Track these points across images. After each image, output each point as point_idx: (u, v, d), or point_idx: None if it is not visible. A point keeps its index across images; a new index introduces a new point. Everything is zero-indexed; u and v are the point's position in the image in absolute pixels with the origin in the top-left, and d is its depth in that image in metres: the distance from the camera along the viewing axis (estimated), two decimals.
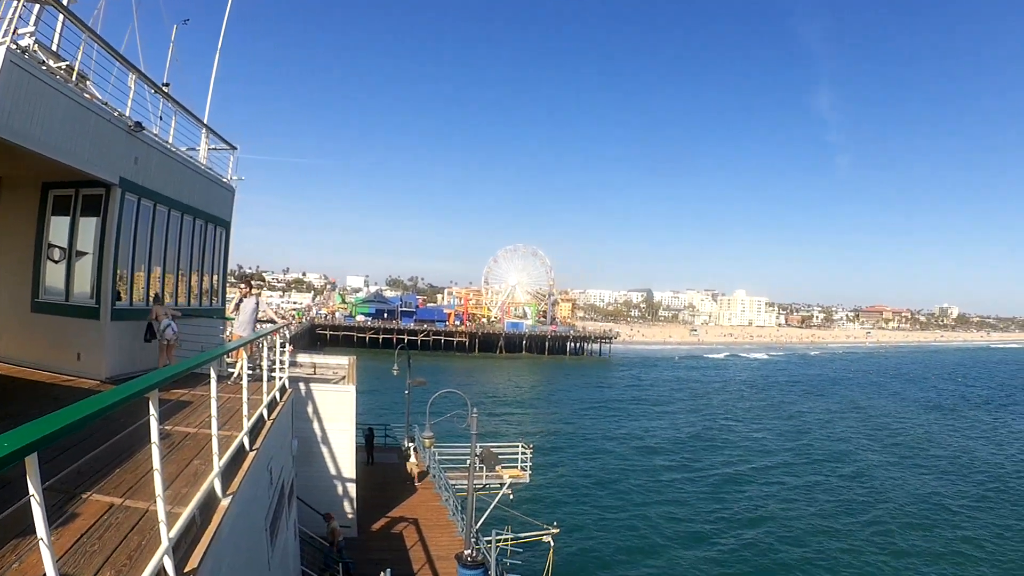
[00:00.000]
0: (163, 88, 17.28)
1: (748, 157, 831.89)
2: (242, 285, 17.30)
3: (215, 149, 21.35)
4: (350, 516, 22.73)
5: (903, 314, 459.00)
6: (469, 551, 19.39)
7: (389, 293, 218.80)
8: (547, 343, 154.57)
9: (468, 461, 23.14)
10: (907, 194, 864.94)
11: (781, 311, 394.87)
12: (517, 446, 30.54)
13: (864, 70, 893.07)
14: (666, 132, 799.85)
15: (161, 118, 17.30)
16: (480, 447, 22.14)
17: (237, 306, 16.94)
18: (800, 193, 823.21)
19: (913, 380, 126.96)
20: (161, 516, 5.35)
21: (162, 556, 5.29)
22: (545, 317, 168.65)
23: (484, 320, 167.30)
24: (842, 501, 43.70)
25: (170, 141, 17.40)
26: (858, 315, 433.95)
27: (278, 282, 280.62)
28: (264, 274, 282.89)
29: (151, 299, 16.28)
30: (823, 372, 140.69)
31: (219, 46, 23.86)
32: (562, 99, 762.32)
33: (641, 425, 68.82)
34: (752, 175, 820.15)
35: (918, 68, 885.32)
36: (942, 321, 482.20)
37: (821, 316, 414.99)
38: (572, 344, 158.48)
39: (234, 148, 22.23)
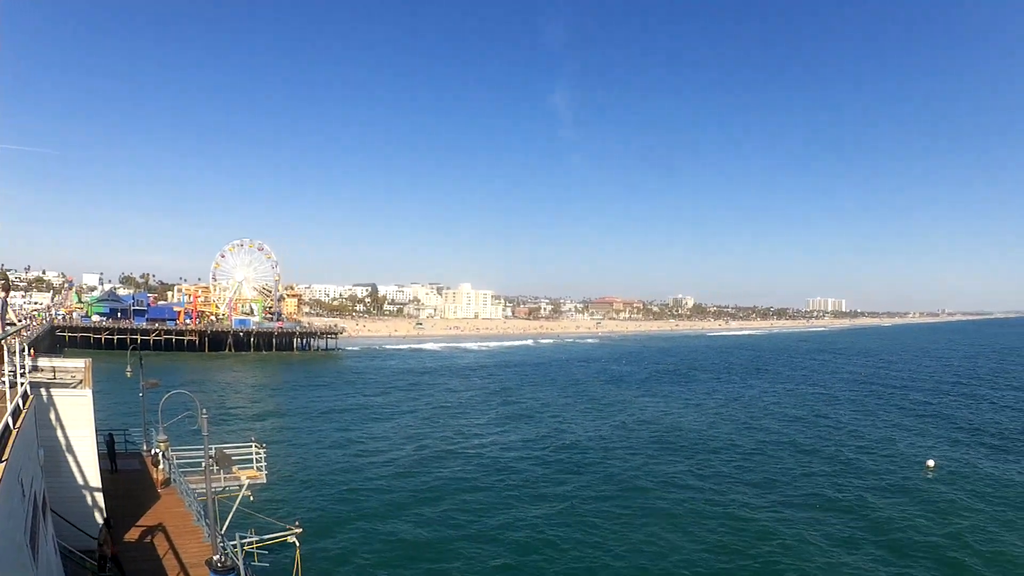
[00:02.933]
0: None
1: (476, 149, 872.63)
2: None
3: None
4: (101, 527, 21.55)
5: (635, 304, 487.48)
6: (218, 556, 19.21)
7: (123, 291, 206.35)
8: (275, 340, 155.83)
9: (203, 464, 23.08)
10: (637, 190, 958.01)
11: (508, 304, 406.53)
12: (251, 446, 30.09)
13: (597, 70, 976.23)
14: (391, 123, 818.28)
15: None
16: (214, 448, 21.87)
17: None
18: (529, 188, 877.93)
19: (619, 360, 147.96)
20: None
21: None
22: (272, 313, 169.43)
23: (213, 318, 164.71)
24: (562, 471, 48.59)
25: None
26: (587, 306, 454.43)
27: (20, 281, 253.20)
28: (8, 272, 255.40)
29: None
30: (542, 359, 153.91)
31: None
32: (280, 85, 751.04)
33: (370, 418, 70.44)
34: (480, 168, 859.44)
35: (648, 70, 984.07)
36: (676, 311, 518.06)
37: (549, 308, 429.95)
38: (299, 340, 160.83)
39: None
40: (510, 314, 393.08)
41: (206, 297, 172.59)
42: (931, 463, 52.06)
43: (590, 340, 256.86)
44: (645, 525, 36.99)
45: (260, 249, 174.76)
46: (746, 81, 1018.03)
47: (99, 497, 22.18)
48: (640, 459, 53.06)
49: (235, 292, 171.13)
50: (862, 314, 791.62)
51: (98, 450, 23.82)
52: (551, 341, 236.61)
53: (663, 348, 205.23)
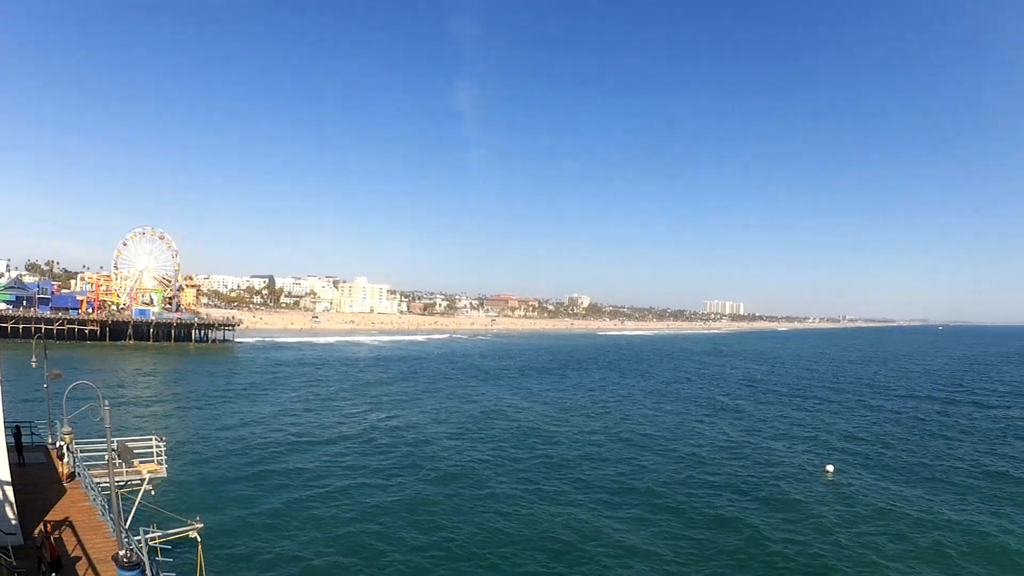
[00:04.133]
0: None
1: (377, 143, 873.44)
2: None
3: None
4: (13, 522, 21.76)
5: (530, 303, 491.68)
6: (124, 551, 18.99)
7: (28, 279, 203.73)
8: (173, 331, 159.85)
9: (106, 457, 22.68)
10: (536, 188, 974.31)
11: (404, 299, 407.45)
12: (151, 439, 29.76)
13: (499, 68, 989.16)
14: (294, 115, 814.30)
15: None
16: (116, 442, 21.48)
17: None
18: (429, 183, 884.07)
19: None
20: None
21: None
22: (171, 304, 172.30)
23: (114, 307, 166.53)
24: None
25: None
26: (483, 303, 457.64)
27: None
28: None
29: None
30: (429, 355, 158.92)
31: None
32: (184, 75, 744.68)
33: (264, 411, 71.67)
34: (380, 162, 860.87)
35: (550, 68, 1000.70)
36: (572, 310, 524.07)
37: (445, 304, 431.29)
38: (197, 332, 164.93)
39: None
40: (405, 309, 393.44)
41: (108, 286, 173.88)
42: (830, 468, 52.94)
43: (482, 337, 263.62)
44: (482, 512, 39.86)
45: (161, 238, 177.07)
46: (644, 79, 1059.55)
47: (9, 492, 21.91)
48: (487, 450, 57.13)
49: (136, 281, 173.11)
50: (760, 318, 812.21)
51: (7, 443, 23.54)
52: (444, 337, 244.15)
53: (549, 347, 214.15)
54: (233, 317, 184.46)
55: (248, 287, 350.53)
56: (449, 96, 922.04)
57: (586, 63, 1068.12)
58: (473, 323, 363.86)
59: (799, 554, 34.74)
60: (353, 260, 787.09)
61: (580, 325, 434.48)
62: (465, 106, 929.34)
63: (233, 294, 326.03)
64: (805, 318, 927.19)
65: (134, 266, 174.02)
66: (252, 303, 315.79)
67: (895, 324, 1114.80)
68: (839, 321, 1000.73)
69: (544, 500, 42.85)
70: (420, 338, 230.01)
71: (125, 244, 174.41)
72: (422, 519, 38.37)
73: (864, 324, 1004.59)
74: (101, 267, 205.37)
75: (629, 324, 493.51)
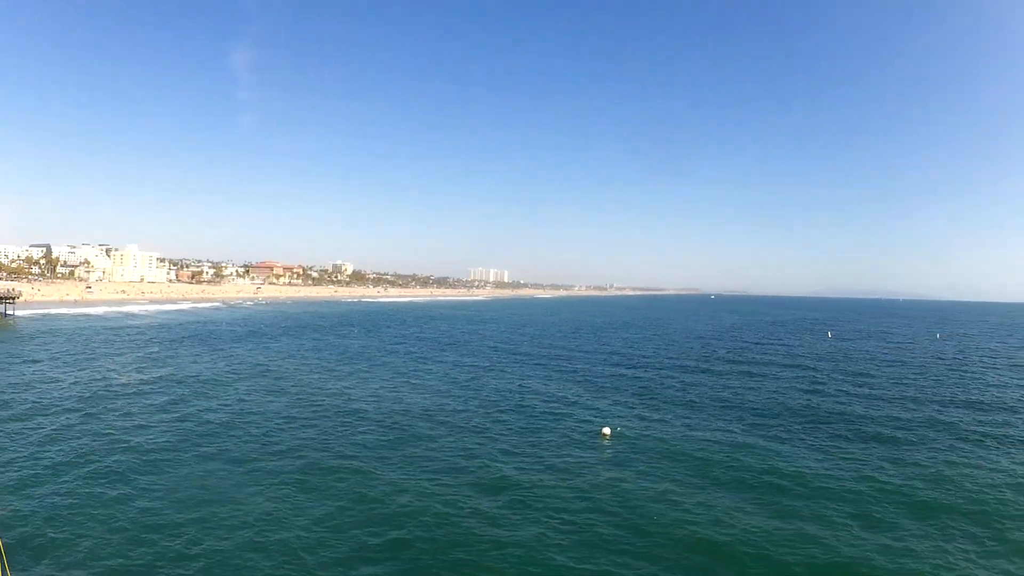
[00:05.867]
0: None
1: (146, 102, 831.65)
2: None
3: None
4: None
5: (295, 270, 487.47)
6: None
7: None
8: None
9: None
10: (304, 153, 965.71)
11: (172, 267, 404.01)
12: None
13: (287, 27, 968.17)
14: (57, 74, 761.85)
15: None
16: None
17: None
18: (196, 145, 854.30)
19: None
20: None
21: None
22: None
23: None
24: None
25: None
26: (248, 270, 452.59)
27: None
28: None
29: None
30: (189, 322, 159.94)
31: None
32: None
33: (37, 391, 64.29)
34: (145, 122, 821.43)
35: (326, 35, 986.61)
36: (336, 277, 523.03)
37: (212, 272, 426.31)
38: None
39: None
40: (174, 277, 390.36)
41: None
42: (607, 431, 51.12)
43: (248, 304, 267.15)
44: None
45: None
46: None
47: None
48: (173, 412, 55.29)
49: None
50: (525, 285, 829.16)
51: None
52: (210, 306, 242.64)
53: (295, 314, 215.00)
54: (13, 289, 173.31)
55: (27, 257, 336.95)
56: (227, 58, 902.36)
57: None
58: (239, 291, 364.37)
59: (580, 512, 34.08)
60: (126, 226, 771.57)
61: (344, 292, 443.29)
62: (241, 68, 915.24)
63: (14, 264, 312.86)
64: (572, 286, 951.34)
65: None
66: (31, 274, 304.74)
67: (666, 292, 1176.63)
68: (607, 289, 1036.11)
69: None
70: (186, 306, 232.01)
71: None
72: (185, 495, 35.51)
73: (632, 292, 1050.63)
74: None
75: (392, 291, 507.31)
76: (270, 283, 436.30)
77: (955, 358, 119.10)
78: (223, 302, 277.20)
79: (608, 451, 46.87)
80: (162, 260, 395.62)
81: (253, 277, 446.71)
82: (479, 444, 48.19)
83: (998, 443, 51.86)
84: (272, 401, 62.34)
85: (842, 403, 68.36)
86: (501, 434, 51.66)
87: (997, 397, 74.63)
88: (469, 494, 36.90)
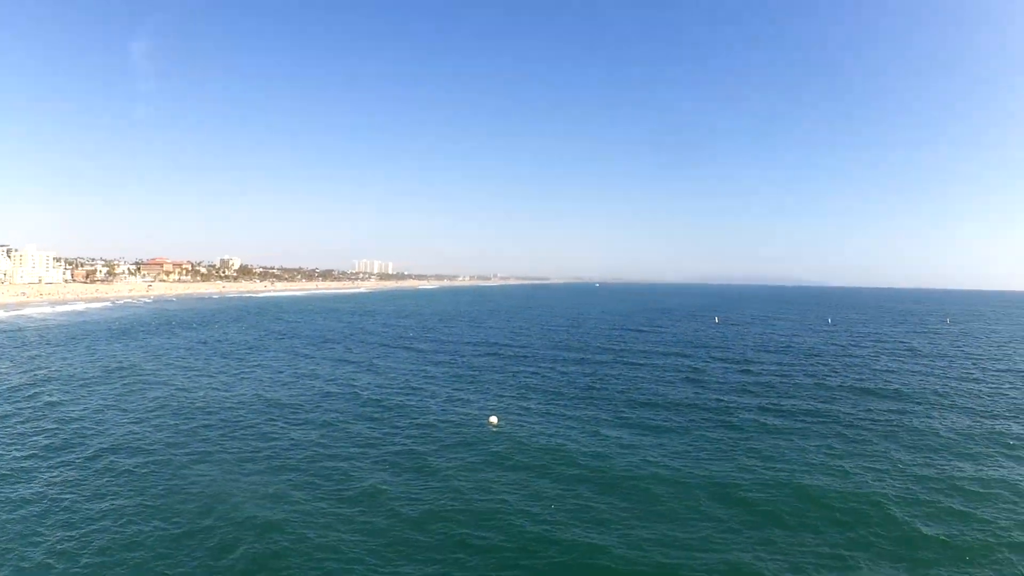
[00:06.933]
0: None
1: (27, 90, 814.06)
2: None
3: None
4: None
5: (183, 266, 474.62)
6: None
7: None
8: None
9: None
10: (191, 143, 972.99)
11: (68, 266, 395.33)
12: None
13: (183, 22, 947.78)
14: None
15: None
16: None
17: None
18: (83, 137, 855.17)
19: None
20: None
21: None
22: None
23: None
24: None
25: None
26: (139, 268, 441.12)
27: None
28: None
29: None
30: (77, 323, 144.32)
31: None
32: None
33: None
34: (28, 114, 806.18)
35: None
36: (224, 272, 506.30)
37: (105, 270, 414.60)
38: None
39: None
40: (70, 277, 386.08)
41: None
42: (494, 419, 49.48)
43: (145, 302, 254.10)
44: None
45: None
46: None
47: None
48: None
49: None
50: (410, 276, 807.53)
51: None
52: (101, 306, 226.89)
53: (175, 311, 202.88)
54: None
55: None
56: (124, 49, 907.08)
57: None
58: (131, 289, 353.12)
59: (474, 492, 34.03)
60: (20, 223, 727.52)
61: (232, 288, 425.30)
62: (139, 58, 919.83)
63: None
64: (455, 276, 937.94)
65: None
66: None
67: (550, 281, 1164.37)
68: (490, 279, 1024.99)
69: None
70: (80, 307, 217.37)
71: None
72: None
73: (515, 281, 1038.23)
74: None
75: (279, 285, 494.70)
76: (160, 280, 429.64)
77: (841, 345, 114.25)
78: (112, 301, 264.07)
79: (493, 443, 43.77)
80: (58, 259, 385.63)
81: (144, 275, 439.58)
82: (353, 442, 44.41)
83: (884, 435, 47.21)
84: (133, 402, 57.29)
85: (724, 392, 64.26)
86: (380, 432, 47.56)
87: (885, 382, 70.46)
88: (329, 501, 33.45)
